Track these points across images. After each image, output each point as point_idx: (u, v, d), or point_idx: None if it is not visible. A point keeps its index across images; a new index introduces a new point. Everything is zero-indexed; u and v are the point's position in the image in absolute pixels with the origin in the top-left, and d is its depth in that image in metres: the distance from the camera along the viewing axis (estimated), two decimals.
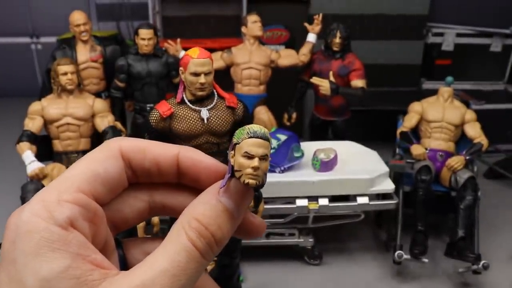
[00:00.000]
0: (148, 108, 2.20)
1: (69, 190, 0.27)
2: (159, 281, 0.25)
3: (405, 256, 1.92)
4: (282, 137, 2.02)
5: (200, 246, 0.27)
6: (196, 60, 0.89)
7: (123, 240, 0.34)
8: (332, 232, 2.25)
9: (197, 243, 0.27)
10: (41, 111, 2.06)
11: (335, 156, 1.96)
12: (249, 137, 0.30)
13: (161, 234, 1.74)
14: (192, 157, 0.32)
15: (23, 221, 0.26)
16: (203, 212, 0.28)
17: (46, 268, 0.25)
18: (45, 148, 2.12)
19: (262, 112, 2.39)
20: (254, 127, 0.30)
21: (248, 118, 0.95)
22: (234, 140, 0.30)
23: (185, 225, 0.28)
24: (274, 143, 1.97)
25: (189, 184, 0.33)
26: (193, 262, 0.27)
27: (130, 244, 0.34)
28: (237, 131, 0.30)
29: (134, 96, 2.33)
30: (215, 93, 0.94)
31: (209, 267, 1.83)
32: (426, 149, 2.25)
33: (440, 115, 2.29)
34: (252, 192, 0.31)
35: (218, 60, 2.34)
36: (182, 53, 2.39)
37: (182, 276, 0.26)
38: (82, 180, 0.28)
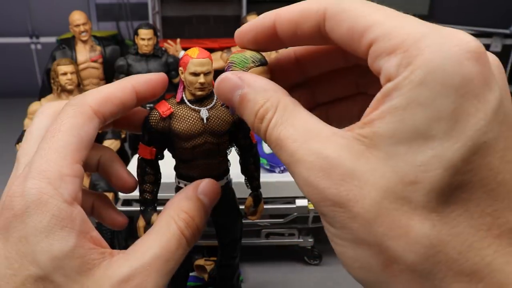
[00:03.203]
0: (147, 108, 2.20)
1: (66, 163, 0.28)
2: (155, 265, 0.28)
3: None
4: None
5: (187, 235, 0.31)
6: (196, 60, 0.89)
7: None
8: None
9: (185, 232, 0.31)
10: None
11: None
12: (255, 66, 0.32)
13: None
14: (144, 79, 0.36)
15: (32, 200, 0.26)
16: (189, 206, 0.33)
17: (57, 247, 0.26)
18: None
19: None
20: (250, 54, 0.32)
21: None
22: (240, 67, 0.32)
23: (174, 216, 0.31)
24: None
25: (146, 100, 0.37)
26: (181, 249, 0.30)
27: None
28: (239, 60, 0.32)
29: None
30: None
31: (209, 267, 1.83)
32: None
33: None
34: (220, 192, 0.36)
35: (218, 60, 2.34)
36: (182, 53, 2.39)
37: (172, 261, 0.29)
38: (74, 150, 0.29)
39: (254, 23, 0.31)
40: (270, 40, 0.30)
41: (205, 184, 0.35)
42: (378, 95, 0.23)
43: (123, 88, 0.34)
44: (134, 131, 0.45)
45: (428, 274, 0.21)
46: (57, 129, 0.29)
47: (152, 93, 0.37)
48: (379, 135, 0.22)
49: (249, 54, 0.31)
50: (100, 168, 0.38)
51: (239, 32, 0.32)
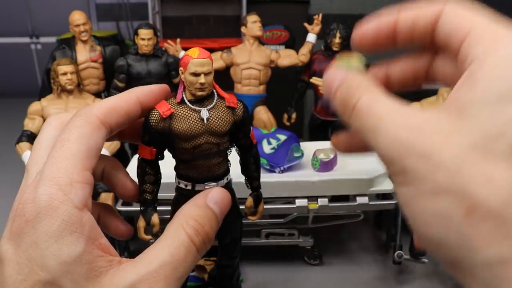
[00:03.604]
0: None
1: (77, 170, 0.29)
2: (163, 272, 0.28)
3: (405, 256, 1.92)
4: (282, 137, 2.02)
5: (196, 242, 0.31)
6: (196, 60, 0.89)
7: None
8: (331, 232, 2.25)
9: (194, 239, 0.31)
10: (41, 111, 2.06)
11: (335, 156, 1.96)
12: None
13: (161, 234, 1.73)
14: (147, 91, 0.38)
15: (43, 205, 0.27)
16: (199, 214, 0.33)
17: (66, 251, 0.26)
18: None
19: (262, 112, 2.39)
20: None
21: (248, 118, 0.95)
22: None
23: (183, 223, 0.32)
24: (274, 143, 1.97)
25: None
26: (190, 256, 0.30)
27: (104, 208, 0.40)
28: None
29: None
30: (215, 93, 0.94)
31: (209, 267, 1.83)
32: None
33: None
34: (231, 201, 0.37)
35: (218, 60, 2.34)
36: (182, 53, 2.39)
37: (181, 268, 0.29)
38: (83, 158, 0.30)
39: (378, 20, 0.33)
40: (387, 38, 0.32)
41: (215, 193, 0.36)
42: (466, 73, 0.26)
43: (128, 99, 0.36)
44: (137, 142, 0.46)
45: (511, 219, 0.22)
46: (66, 139, 0.30)
47: (155, 103, 0.39)
48: (467, 100, 0.24)
49: (354, 62, 0.33)
50: (104, 178, 0.39)
51: (361, 31, 0.34)
